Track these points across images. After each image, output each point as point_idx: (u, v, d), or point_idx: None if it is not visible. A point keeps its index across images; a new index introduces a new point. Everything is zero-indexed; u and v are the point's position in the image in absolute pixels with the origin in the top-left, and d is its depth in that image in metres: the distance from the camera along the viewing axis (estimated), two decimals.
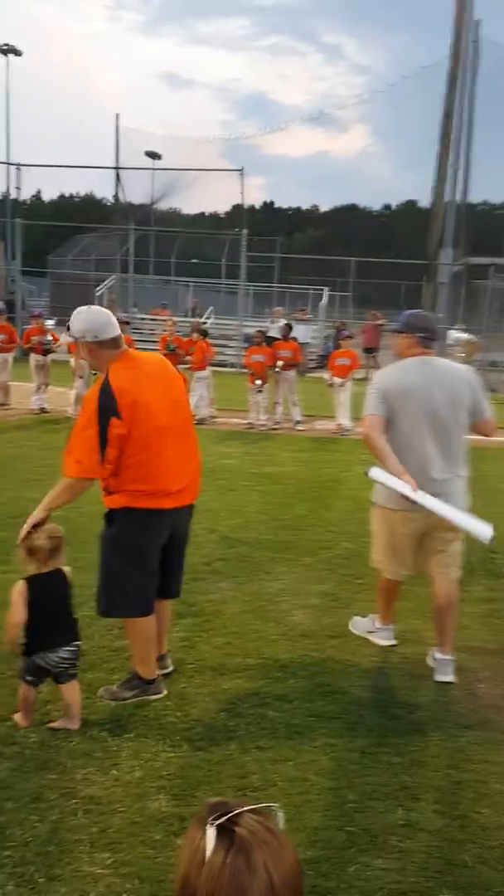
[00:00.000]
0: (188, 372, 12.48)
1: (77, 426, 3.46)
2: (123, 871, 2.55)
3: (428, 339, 4.13)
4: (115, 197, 30.66)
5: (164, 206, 37.75)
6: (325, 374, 12.77)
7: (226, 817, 1.00)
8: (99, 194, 59.60)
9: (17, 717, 3.41)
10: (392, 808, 2.94)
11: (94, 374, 4.37)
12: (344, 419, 12.14)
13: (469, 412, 4.01)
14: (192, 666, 4.02)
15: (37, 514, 3.47)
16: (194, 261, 35.01)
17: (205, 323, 22.37)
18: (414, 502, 3.77)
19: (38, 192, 67.14)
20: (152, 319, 24.52)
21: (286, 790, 3.01)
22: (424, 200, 26.07)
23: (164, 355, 4.33)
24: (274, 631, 4.52)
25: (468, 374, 4.15)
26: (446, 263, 24.40)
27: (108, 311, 3.65)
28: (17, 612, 3.25)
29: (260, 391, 12.51)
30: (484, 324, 22.97)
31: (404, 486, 3.77)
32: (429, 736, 3.47)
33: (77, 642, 3.42)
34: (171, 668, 3.91)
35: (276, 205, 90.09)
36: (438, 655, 4.08)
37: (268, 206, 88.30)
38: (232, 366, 21.48)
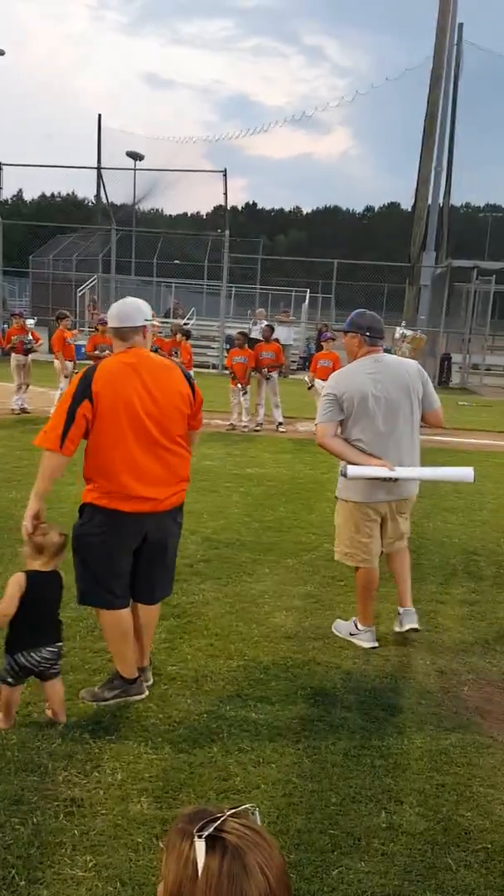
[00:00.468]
0: None
1: (60, 401, 3.52)
2: (105, 875, 2.53)
3: (373, 336, 4.36)
4: (97, 197, 30.50)
5: (146, 206, 37.73)
6: (307, 377, 12.77)
7: (212, 827, 0.99)
8: (81, 194, 59.43)
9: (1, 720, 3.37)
10: (375, 811, 2.93)
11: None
12: None
13: (421, 403, 4.33)
14: (174, 668, 4.00)
15: (32, 505, 3.46)
16: (176, 262, 34.94)
17: (186, 324, 22.35)
18: (396, 479, 4.18)
19: (20, 191, 66.86)
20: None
21: (269, 793, 3.00)
22: (407, 203, 26.21)
23: None
24: (256, 633, 4.50)
25: (418, 367, 4.45)
26: (428, 266, 24.50)
27: (136, 305, 3.63)
28: (11, 603, 3.22)
29: (244, 393, 12.50)
30: (466, 327, 23.14)
31: (383, 470, 4.12)
32: (412, 738, 3.47)
33: (59, 643, 3.41)
34: (149, 682, 3.81)
35: (259, 206, 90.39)
36: (402, 609, 4.55)
37: (250, 208, 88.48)
38: (214, 367, 21.48)
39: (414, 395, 4.29)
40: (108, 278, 24.72)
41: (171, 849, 1.04)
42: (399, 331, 4.66)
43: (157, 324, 16.55)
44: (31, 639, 3.29)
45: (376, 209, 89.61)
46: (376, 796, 3.03)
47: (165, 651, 4.17)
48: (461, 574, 5.81)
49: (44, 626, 3.35)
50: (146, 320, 3.60)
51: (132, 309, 3.60)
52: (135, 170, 33.29)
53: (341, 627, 4.61)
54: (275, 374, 12.85)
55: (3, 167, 26.51)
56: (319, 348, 13.21)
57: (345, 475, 4.17)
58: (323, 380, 12.13)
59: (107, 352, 12.00)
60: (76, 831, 2.73)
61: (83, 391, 3.38)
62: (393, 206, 77.40)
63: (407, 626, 4.49)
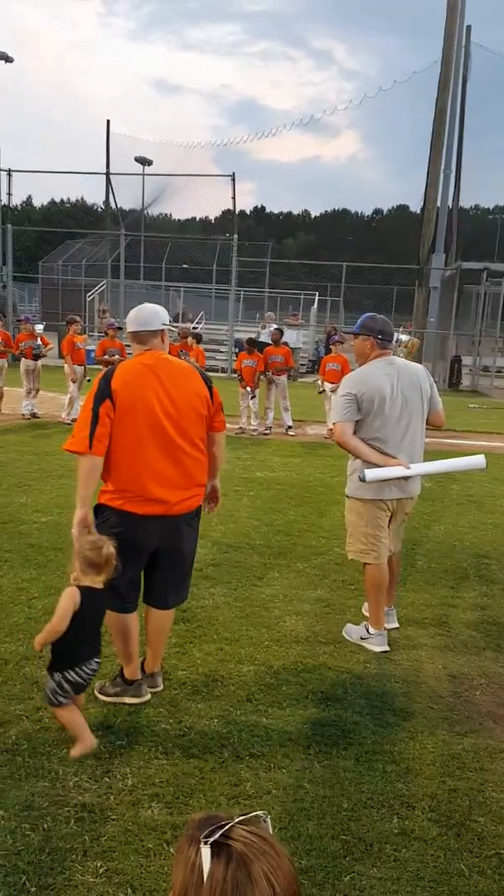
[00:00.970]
0: None
1: (83, 406, 3.53)
2: (116, 880, 2.53)
3: (385, 340, 4.49)
4: (106, 202, 30.60)
5: (154, 211, 37.79)
6: (319, 380, 12.76)
7: (218, 834, 0.99)
8: (90, 200, 59.63)
9: (77, 747, 3.20)
10: (387, 817, 2.92)
11: (89, 380, 4.34)
12: None
13: (428, 404, 4.49)
14: (185, 672, 3.99)
15: (79, 513, 3.41)
16: (185, 266, 35.03)
17: (195, 328, 22.38)
18: (411, 476, 4.37)
19: (29, 197, 66.95)
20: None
21: (280, 798, 2.99)
22: (416, 205, 26.20)
23: None
24: (267, 637, 4.49)
25: (425, 370, 4.64)
26: (438, 268, 24.46)
27: (154, 310, 3.65)
28: (63, 620, 3.11)
29: (253, 397, 12.50)
30: (476, 329, 23.08)
31: (400, 470, 4.27)
32: (424, 743, 3.45)
33: (100, 654, 3.37)
34: (159, 687, 3.80)
35: (267, 210, 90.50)
36: (386, 608, 4.64)
37: (259, 211, 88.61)
38: (223, 371, 21.49)
39: (424, 396, 4.45)
40: (117, 283, 24.76)
41: (180, 854, 1.04)
42: (395, 336, 4.73)
43: (172, 328, 16.64)
44: (81, 654, 3.21)
45: (385, 212, 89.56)
46: (388, 801, 3.01)
47: (176, 656, 4.16)
48: (472, 577, 5.78)
49: (92, 640, 3.29)
50: (163, 324, 3.63)
51: (150, 313, 3.63)
52: (143, 175, 33.46)
53: (352, 632, 4.61)
54: (284, 378, 12.84)
55: (13, 173, 26.67)
56: (328, 351, 13.18)
57: (363, 479, 4.23)
58: (331, 383, 12.14)
59: (116, 356, 12.05)
60: (87, 837, 2.72)
61: (103, 390, 3.40)
62: (402, 209, 77.33)
63: (391, 626, 4.68)
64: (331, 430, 12.23)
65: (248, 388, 12.44)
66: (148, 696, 3.69)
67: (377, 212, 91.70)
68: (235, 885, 0.96)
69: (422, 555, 6.24)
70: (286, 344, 13.64)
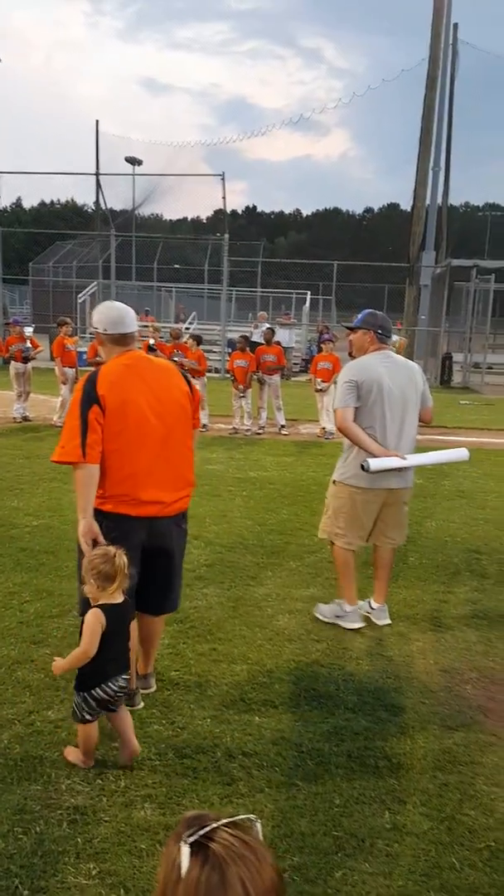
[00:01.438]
0: (195, 379, 12.44)
1: (67, 414, 3.46)
2: (109, 882, 2.53)
3: (384, 335, 4.65)
4: (97, 203, 30.56)
5: (145, 211, 37.76)
6: (313, 378, 12.78)
7: (199, 833, 1.00)
8: (80, 201, 59.53)
9: (76, 757, 3.18)
10: (379, 812, 2.93)
11: None
12: (328, 423, 12.14)
13: (420, 399, 4.62)
14: (177, 673, 4.00)
15: (83, 524, 3.31)
16: (176, 266, 35.02)
17: (188, 328, 22.38)
18: (407, 468, 4.51)
19: (19, 199, 66.90)
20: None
21: (272, 796, 3.00)
22: (406, 203, 26.21)
23: None
24: (259, 636, 4.50)
25: (418, 368, 4.79)
26: (428, 266, 24.49)
27: (126, 309, 3.62)
28: (94, 642, 3.01)
29: (243, 396, 12.50)
30: (467, 326, 23.12)
31: (397, 460, 4.40)
32: (415, 738, 3.47)
33: (128, 668, 3.27)
34: (152, 688, 3.81)
35: (259, 209, 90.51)
36: (376, 605, 4.80)
37: (250, 211, 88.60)
38: (216, 371, 21.48)
39: (417, 391, 4.59)
40: (108, 284, 24.75)
41: (165, 850, 1.06)
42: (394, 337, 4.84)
43: (157, 326, 16.60)
44: (108, 671, 3.10)
45: (376, 210, 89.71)
46: (380, 797, 3.03)
47: (169, 657, 4.17)
48: (464, 573, 5.80)
49: (120, 656, 3.18)
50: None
51: (126, 313, 3.59)
52: (133, 175, 33.41)
53: (325, 611, 4.76)
54: (276, 377, 12.84)
55: (2, 175, 26.60)
56: (320, 350, 13.20)
57: (365, 469, 4.33)
58: (323, 381, 12.16)
59: None
60: (80, 839, 2.73)
61: (89, 396, 3.33)
62: (392, 207, 77.42)
63: (382, 623, 4.75)
64: (323, 428, 12.32)
65: (241, 388, 12.44)
66: (141, 705, 3.66)
67: (368, 210, 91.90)
68: (209, 887, 0.97)
69: (414, 551, 6.25)
70: (278, 343, 13.65)
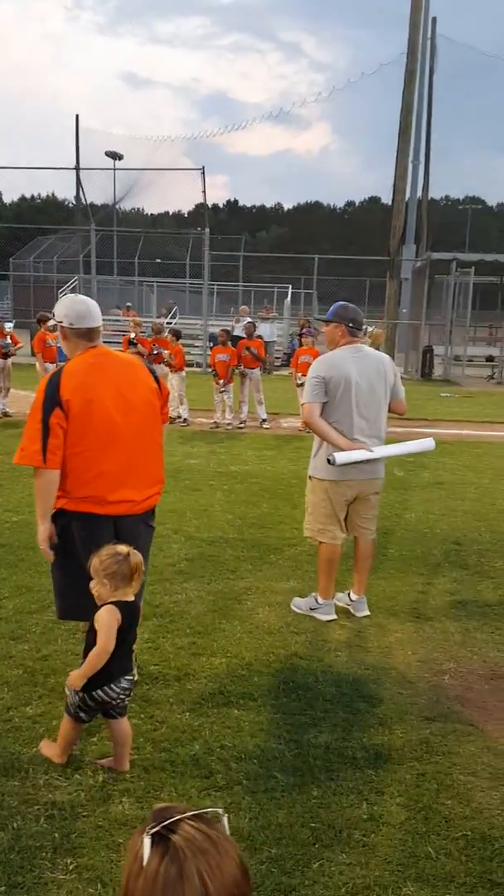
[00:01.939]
0: (173, 373, 12.44)
1: (29, 414, 3.40)
2: (86, 876, 2.53)
3: (355, 328, 4.66)
4: (77, 198, 30.36)
5: (126, 206, 37.61)
6: (293, 372, 12.79)
7: (161, 825, 1.00)
8: (61, 195, 59.09)
9: (52, 752, 3.14)
10: (356, 803, 2.95)
11: None
12: None
13: (390, 392, 4.66)
14: (157, 667, 3.99)
15: (41, 529, 3.36)
16: (158, 260, 34.89)
17: (170, 323, 22.32)
18: (375, 460, 4.54)
19: None
20: (115, 320, 24.34)
21: (250, 788, 3.00)
22: (387, 197, 26.23)
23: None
24: (239, 629, 4.51)
25: (389, 360, 4.78)
26: (408, 259, 24.57)
27: (92, 303, 3.53)
28: (112, 638, 2.93)
29: (224, 390, 12.49)
30: (447, 319, 23.21)
31: (364, 453, 4.44)
32: (392, 729, 3.48)
33: (134, 671, 3.20)
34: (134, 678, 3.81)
35: (240, 203, 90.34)
36: (355, 597, 4.83)
37: (231, 205, 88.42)
38: (197, 365, 21.45)
39: (387, 384, 4.63)
40: (89, 279, 24.61)
41: (131, 842, 1.06)
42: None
43: (138, 321, 16.52)
44: (113, 671, 3.02)
45: (357, 204, 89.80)
46: (358, 788, 3.04)
47: (148, 651, 4.16)
48: (443, 564, 5.83)
49: (125, 656, 3.09)
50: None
51: (92, 307, 3.51)
52: (114, 169, 33.23)
53: (301, 604, 4.82)
54: (257, 371, 12.84)
55: None
56: (301, 344, 13.21)
57: (332, 462, 4.38)
58: (304, 375, 12.16)
59: None
60: (57, 834, 2.72)
61: (52, 398, 3.27)
62: (374, 201, 77.58)
63: (361, 614, 4.78)
64: (304, 422, 12.30)
65: (222, 383, 12.43)
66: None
67: (349, 204, 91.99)
68: (166, 879, 0.97)
69: (394, 543, 6.28)
70: (259, 337, 13.64)
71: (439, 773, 3.16)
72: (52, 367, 12.23)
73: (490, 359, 26.29)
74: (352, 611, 4.81)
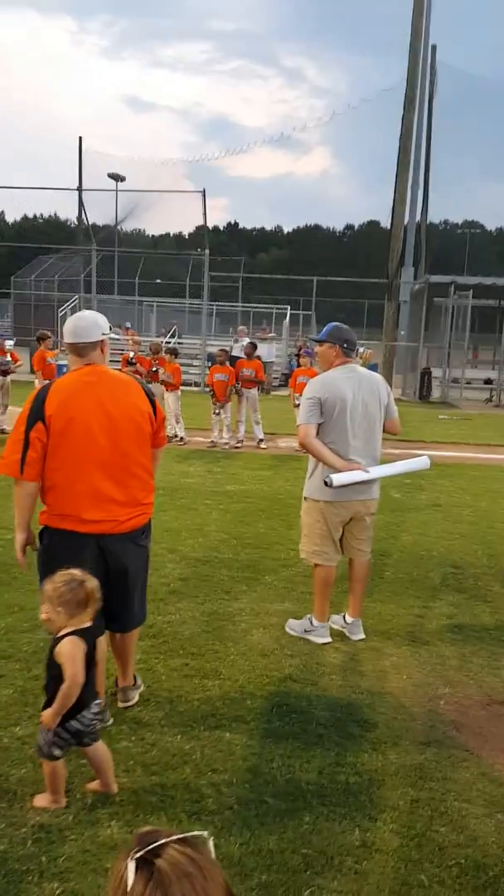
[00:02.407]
0: (169, 392, 12.44)
1: (15, 425, 3.41)
2: None
3: (349, 348, 4.66)
4: (79, 218, 30.58)
5: (128, 227, 37.89)
6: (295, 395, 12.82)
7: (146, 849, 0.98)
8: (63, 216, 59.53)
9: (48, 801, 2.97)
10: (349, 829, 2.90)
11: None
12: None
13: (384, 411, 4.67)
14: (149, 689, 3.95)
15: (19, 538, 3.44)
16: (158, 281, 35.09)
17: (168, 342, 22.39)
18: (371, 480, 4.54)
19: (1, 213, 66.94)
20: (114, 339, 24.41)
21: (241, 813, 2.96)
22: (386, 220, 26.41)
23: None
24: (233, 651, 4.47)
25: (383, 380, 4.82)
26: (407, 282, 24.72)
27: (93, 319, 3.51)
28: (80, 670, 2.85)
29: (219, 412, 12.47)
30: (445, 341, 23.31)
31: (360, 474, 4.43)
32: (387, 754, 3.44)
33: (100, 694, 3.15)
34: (132, 701, 3.76)
35: (241, 225, 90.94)
36: (351, 620, 4.80)
37: (232, 227, 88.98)
38: (196, 385, 21.50)
39: (381, 404, 4.64)
40: (89, 298, 24.72)
41: (115, 866, 1.05)
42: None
43: (138, 340, 16.60)
44: (86, 698, 2.93)
45: (356, 227, 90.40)
46: (350, 814, 3.00)
47: (141, 672, 4.11)
48: (440, 587, 5.80)
49: (93, 680, 3.03)
50: (103, 334, 3.51)
51: (89, 323, 3.49)
52: (116, 191, 33.55)
53: (295, 626, 4.78)
54: (254, 391, 12.85)
55: None
56: (299, 365, 13.24)
57: (328, 484, 4.36)
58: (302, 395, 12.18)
59: None
60: (44, 858, 2.68)
61: (36, 412, 3.28)
62: (373, 224, 77.99)
63: (356, 637, 4.73)
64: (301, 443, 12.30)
65: (219, 403, 12.44)
66: (110, 721, 3.59)
67: (349, 227, 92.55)
68: None
69: (390, 565, 6.25)
70: (258, 358, 13.68)
71: (433, 799, 3.12)
72: None
73: (488, 381, 26.37)
74: (347, 634, 4.77)
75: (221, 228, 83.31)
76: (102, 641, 3.56)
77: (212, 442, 12.48)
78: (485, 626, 5.05)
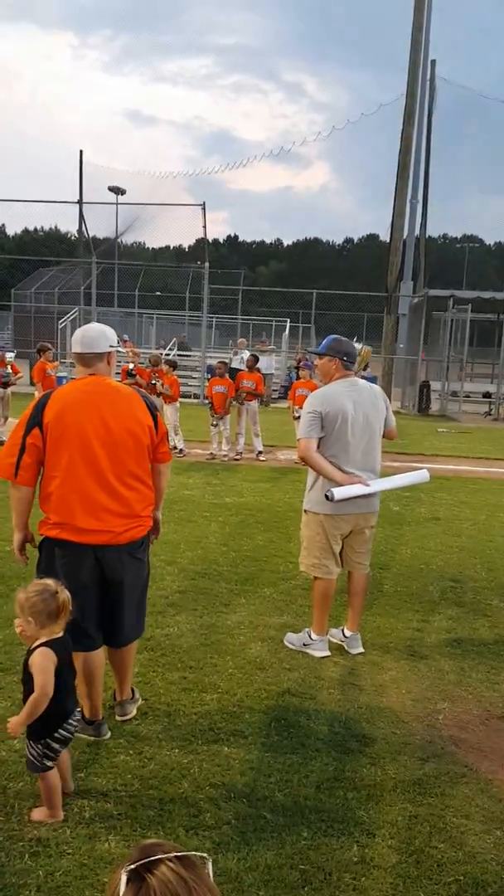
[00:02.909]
0: (168, 405, 12.44)
1: (15, 427, 3.44)
2: None
3: (349, 361, 4.67)
4: (79, 231, 30.66)
5: (129, 239, 37.92)
6: (295, 407, 12.83)
7: (139, 863, 0.99)
8: (63, 228, 59.71)
9: (45, 815, 2.96)
10: (347, 845, 2.89)
11: None
12: None
13: (384, 422, 4.71)
14: (147, 702, 3.94)
15: (16, 538, 3.53)
16: (158, 293, 35.17)
17: (167, 354, 22.44)
18: (371, 494, 4.54)
19: (2, 226, 67.17)
20: (121, 352, 24.46)
21: (239, 828, 2.95)
22: (385, 234, 26.53)
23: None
24: (231, 665, 4.45)
25: (381, 392, 4.84)
26: (406, 295, 24.77)
27: (100, 331, 3.56)
28: (50, 682, 2.84)
29: (215, 424, 12.46)
30: (444, 355, 23.34)
31: (361, 488, 4.43)
32: (385, 769, 3.43)
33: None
34: (129, 715, 3.75)
35: (241, 238, 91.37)
36: (349, 633, 4.79)
37: (232, 240, 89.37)
38: (195, 397, 21.52)
39: (381, 416, 4.67)
40: (89, 311, 24.76)
41: (112, 876, 1.05)
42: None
43: (137, 352, 16.62)
44: (69, 708, 2.99)
45: (356, 241, 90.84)
46: (348, 829, 2.98)
47: (138, 685, 4.10)
48: (439, 601, 5.79)
49: (72, 688, 3.08)
50: (111, 346, 3.54)
51: (97, 334, 3.52)
52: (116, 204, 33.60)
53: (294, 640, 4.78)
54: (254, 403, 12.87)
55: None
56: (299, 377, 13.27)
57: (330, 498, 4.36)
58: (301, 408, 12.19)
59: None
60: (41, 872, 2.67)
61: (35, 418, 3.33)
62: (372, 238, 78.45)
63: (355, 651, 4.74)
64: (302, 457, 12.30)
65: (217, 415, 12.44)
66: (108, 735, 3.59)
67: (348, 240, 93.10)
68: None
69: (389, 579, 6.25)
70: (258, 370, 13.70)
71: (432, 815, 3.11)
72: None
73: (487, 395, 26.39)
74: (346, 647, 4.76)
75: (221, 241, 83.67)
76: (100, 654, 3.57)
77: (211, 454, 12.48)
78: (484, 641, 5.04)
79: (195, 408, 18.13)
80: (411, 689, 4.27)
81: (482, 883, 2.72)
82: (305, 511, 4.71)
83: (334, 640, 4.80)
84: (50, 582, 2.95)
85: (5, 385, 12.71)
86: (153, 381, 12.79)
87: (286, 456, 12.89)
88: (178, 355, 25.37)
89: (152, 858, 1.01)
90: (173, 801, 3.10)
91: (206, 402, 13.28)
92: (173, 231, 29.05)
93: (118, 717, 3.74)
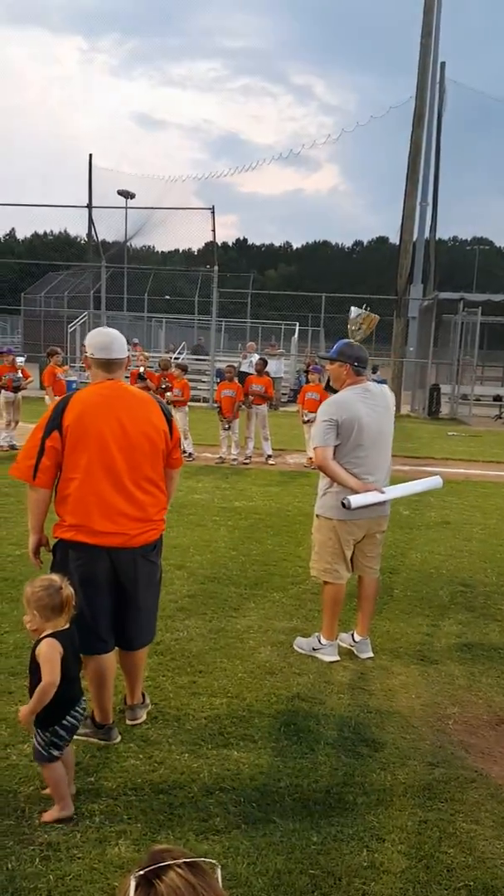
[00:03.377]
0: (176, 409, 12.47)
1: (34, 429, 3.47)
2: None
3: (360, 366, 4.64)
4: (89, 235, 30.79)
5: (138, 243, 38.04)
6: (304, 411, 12.83)
7: (148, 869, 1.00)
8: (73, 232, 59.98)
9: (55, 813, 2.99)
10: (356, 850, 2.89)
11: None
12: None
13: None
14: (157, 706, 3.95)
15: (32, 539, 3.56)
16: (167, 297, 35.24)
17: (177, 358, 22.48)
18: (385, 501, 4.59)
19: (12, 230, 67.53)
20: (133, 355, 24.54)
21: (248, 832, 2.95)
22: (395, 237, 26.52)
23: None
24: (240, 669, 4.46)
25: (392, 396, 4.85)
26: (416, 298, 24.75)
27: (115, 336, 3.60)
28: (56, 671, 2.91)
29: (226, 428, 12.48)
30: (454, 357, 23.30)
31: (376, 495, 4.46)
32: (395, 774, 3.43)
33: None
34: (139, 720, 3.77)
35: (250, 242, 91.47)
36: (359, 638, 4.79)
37: (241, 243, 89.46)
38: (204, 401, 21.56)
39: (392, 420, 4.71)
40: (99, 314, 24.85)
41: (123, 880, 1.06)
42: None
43: (147, 356, 16.66)
44: (75, 695, 3.06)
45: (365, 243, 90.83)
46: (358, 834, 2.99)
47: (148, 689, 4.11)
48: (449, 606, 5.78)
49: (78, 677, 3.14)
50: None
51: (114, 339, 3.57)
52: (126, 208, 33.70)
53: (304, 644, 4.78)
54: (264, 407, 12.88)
55: None
56: (308, 381, 13.27)
57: (346, 506, 4.37)
58: (310, 412, 12.19)
59: None
60: (52, 876, 2.68)
61: (55, 421, 3.37)
62: (381, 241, 78.47)
63: (365, 656, 4.74)
64: (311, 459, 12.32)
65: (226, 419, 12.46)
66: (118, 739, 3.61)
67: (357, 243, 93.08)
68: None
69: (399, 583, 6.24)
70: (268, 374, 13.71)
71: (442, 820, 3.11)
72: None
73: (498, 398, 26.31)
74: (355, 652, 4.76)
75: (231, 245, 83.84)
76: (112, 657, 3.59)
77: (220, 458, 12.49)
78: (494, 645, 5.03)
79: (205, 412, 18.15)
80: (421, 694, 4.27)
81: (492, 888, 2.71)
82: (317, 516, 4.71)
83: (344, 645, 4.80)
84: (55, 577, 3.04)
85: (16, 389, 12.75)
86: (163, 386, 12.81)
87: (295, 460, 12.90)
88: (193, 359, 25.44)
89: (161, 864, 1.02)
90: (183, 806, 3.11)
91: (216, 406, 13.29)
92: (182, 235, 29.13)
93: (128, 721, 3.76)
